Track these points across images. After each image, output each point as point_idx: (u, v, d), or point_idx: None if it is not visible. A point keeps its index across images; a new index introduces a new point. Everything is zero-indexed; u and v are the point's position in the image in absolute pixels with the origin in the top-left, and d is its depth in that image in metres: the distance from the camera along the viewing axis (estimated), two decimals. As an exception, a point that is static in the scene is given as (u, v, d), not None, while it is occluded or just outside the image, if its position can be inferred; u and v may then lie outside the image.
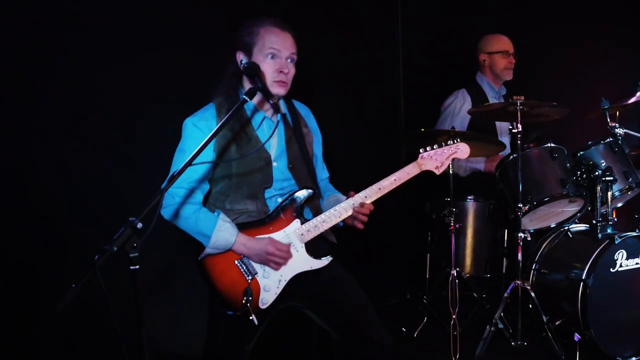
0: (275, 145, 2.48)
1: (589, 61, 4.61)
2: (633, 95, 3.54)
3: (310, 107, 2.71)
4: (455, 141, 2.52)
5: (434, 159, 2.48)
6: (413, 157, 4.67)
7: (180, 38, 3.15)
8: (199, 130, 2.37)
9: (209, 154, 2.36)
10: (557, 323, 3.21)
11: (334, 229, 2.48)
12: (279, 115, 2.39)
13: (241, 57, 2.41)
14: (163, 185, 1.99)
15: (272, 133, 2.30)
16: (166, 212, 2.35)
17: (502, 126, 4.15)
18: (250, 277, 2.35)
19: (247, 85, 2.46)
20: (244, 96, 2.17)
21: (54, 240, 2.82)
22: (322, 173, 2.70)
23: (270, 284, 2.35)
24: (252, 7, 3.33)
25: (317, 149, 2.67)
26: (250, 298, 2.30)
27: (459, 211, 3.68)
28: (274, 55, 2.37)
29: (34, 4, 2.74)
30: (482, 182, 4.00)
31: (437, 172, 2.50)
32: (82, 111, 2.88)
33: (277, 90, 2.40)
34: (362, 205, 2.39)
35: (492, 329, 3.21)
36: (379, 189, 2.41)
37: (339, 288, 2.43)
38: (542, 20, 4.63)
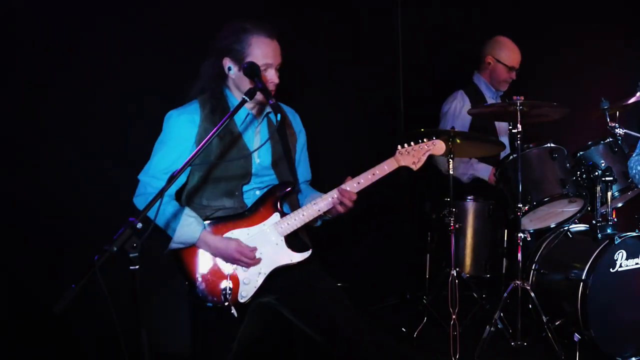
0: (258, 142, 2.50)
1: (589, 61, 4.61)
2: (633, 95, 3.53)
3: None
4: (432, 138, 2.56)
5: (411, 155, 2.51)
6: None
7: (180, 38, 3.15)
8: (183, 122, 2.39)
9: (190, 147, 2.37)
10: (557, 323, 3.21)
11: (311, 229, 2.50)
12: (265, 113, 2.44)
13: (229, 64, 2.41)
14: (163, 186, 1.98)
15: (264, 143, 2.37)
16: (138, 201, 2.39)
17: (502, 126, 4.15)
18: (229, 271, 2.35)
19: (232, 86, 2.46)
20: (244, 96, 2.18)
21: (54, 240, 2.82)
22: (306, 175, 2.72)
23: (250, 277, 2.36)
24: (252, 7, 3.33)
25: (302, 150, 2.68)
26: (230, 291, 2.31)
27: (459, 211, 3.68)
28: (266, 68, 2.38)
29: (33, 4, 2.74)
30: (482, 182, 4.01)
31: (414, 167, 2.53)
32: (82, 111, 2.89)
33: (266, 98, 2.39)
34: (344, 191, 2.40)
35: (491, 329, 3.21)
36: (358, 183, 2.44)
37: (318, 292, 2.42)
38: (542, 20, 4.62)
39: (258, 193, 2.47)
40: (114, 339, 1.82)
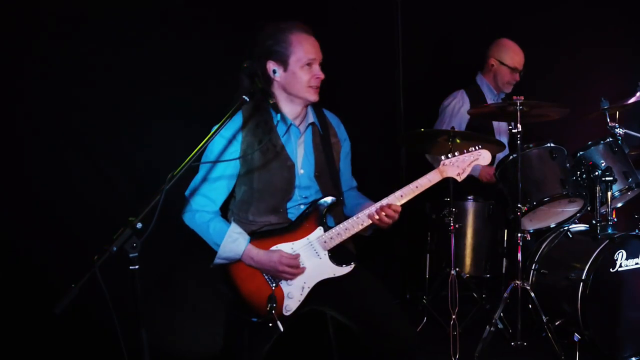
0: (302, 154, 2.50)
1: (589, 61, 4.61)
2: (633, 95, 3.54)
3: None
4: (477, 147, 2.49)
5: (456, 166, 2.47)
6: (413, 156, 4.70)
7: (180, 38, 3.15)
8: (224, 142, 2.40)
9: (236, 164, 2.40)
10: (557, 323, 3.21)
11: (358, 238, 2.49)
12: (308, 123, 2.46)
13: (273, 67, 2.42)
14: (164, 186, 1.98)
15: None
16: (186, 217, 2.42)
17: (500, 126, 4.15)
18: (274, 284, 2.37)
19: (277, 91, 2.46)
20: (244, 96, 2.18)
21: (54, 240, 2.81)
22: (350, 182, 2.69)
23: (294, 292, 2.37)
24: (252, 8, 3.33)
25: (345, 158, 2.66)
26: (274, 305, 2.31)
27: (459, 211, 3.68)
28: (310, 64, 2.40)
29: (34, 5, 2.74)
30: (480, 182, 4.01)
31: (459, 178, 2.49)
32: (82, 111, 2.88)
33: (312, 97, 2.43)
34: (388, 206, 2.37)
35: (491, 329, 3.21)
36: (401, 195, 2.40)
37: (359, 284, 2.43)
38: (542, 21, 4.62)
39: (302, 207, 2.47)
40: (114, 338, 1.82)
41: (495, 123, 4.15)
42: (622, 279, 3.16)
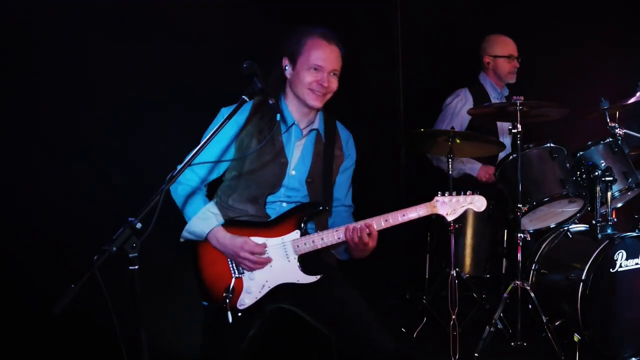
0: (297, 155, 2.49)
1: (589, 61, 4.60)
2: (633, 95, 3.53)
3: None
4: (474, 192, 2.47)
5: (448, 206, 2.44)
6: (413, 156, 4.68)
7: (180, 39, 3.15)
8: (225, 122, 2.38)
9: (227, 146, 2.40)
10: (556, 323, 3.21)
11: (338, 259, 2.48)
12: (311, 128, 2.47)
13: (286, 64, 2.45)
14: (163, 186, 1.98)
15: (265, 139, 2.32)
16: (172, 188, 2.40)
17: (503, 126, 4.15)
18: (236, 275, 2.36)
19: (288, 90, 2.48)
20: (243, 96, 2.17)
21: (53, 240, 2.81)
22: (344, 199, 2.65)
23: (253, 287, 2.36)
24: (253, 8, 3.33)
25: (344, 172, 2.63)
26: (230, 295, 2.32)
27: (459, 211, 3.67)
28: (317, 69, 2.39)
29: (33, 5, 2.74)
30: (474, 180, 4.01)
31: (448, 218, 2.45)
32: (82, 112, 2.88)
33: (312, 101, 2.42)
34: (366, 225, 2.31)
35: (491, 329, 3.21)
36: (386, 220, 2.36)
37: (336, 292, 2.40)
38: (543, 20, 4.62)
39: (284, 205, 2.46)
40: (113, 338, 1.82)
41: (498, 123, 4.16)
42: (622, 279, 3.16)
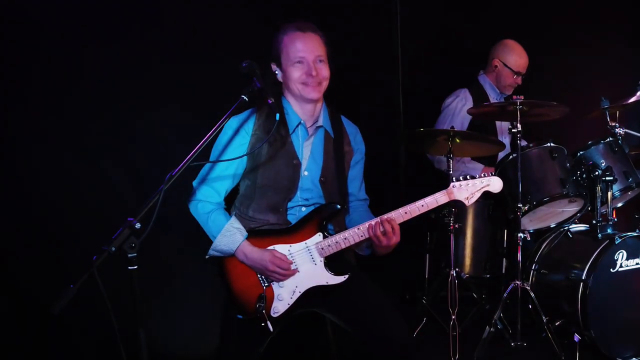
0: (307, 155, 2.49)
1: (589, 61, 4.60)
2: (633, 95, 3.53)
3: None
4: (489, 174, 2.48)
5: (465, 190, 2.44)
6: (413, 156, 4.69)
7: (180, 38, 3.15)
8: (236, 133, 2.41)
9: (243, 158, 2.40)
10: (557, 323, 3.21)
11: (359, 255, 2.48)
12: (317, 126, 2.46)
13: (275, 68, 2.46)
14: (162, 186, 1.97)
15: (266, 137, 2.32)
16: (191, 206, 2.42)
17: (503, 126, 4.14)
18: (266, 284, 2.36)
19: (286, 91, 2.48)
20: (243, 95, 2.17)
21: (52, 240, 2.81)
22: (358, 194, 2.66)
23: (284, 294, 2.36)
24: (251, 9, 3.33)
25: (355, 166, 2.63)
26: (263, 304, 2.31)
27: (459, 211, 3.67)
28: (301, 61, 2.39)
29: (34, 5, 2.73)
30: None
31: (467, 202, 2.45)
32: (81, 112, 2.88)
33: (310, 94, 2.41)
34: (387, 220, 2.33)
35: (491, 329, 3.20)
36: (405, 212, 2.37)
37: (356, 289, 2.41)
38: (543, 20, 4.62)
39: (304, 210, 2.46)
40: (112, 339, 1.82)
41: (498, 123, 4.15)
42: (622, 279, 3.16)
